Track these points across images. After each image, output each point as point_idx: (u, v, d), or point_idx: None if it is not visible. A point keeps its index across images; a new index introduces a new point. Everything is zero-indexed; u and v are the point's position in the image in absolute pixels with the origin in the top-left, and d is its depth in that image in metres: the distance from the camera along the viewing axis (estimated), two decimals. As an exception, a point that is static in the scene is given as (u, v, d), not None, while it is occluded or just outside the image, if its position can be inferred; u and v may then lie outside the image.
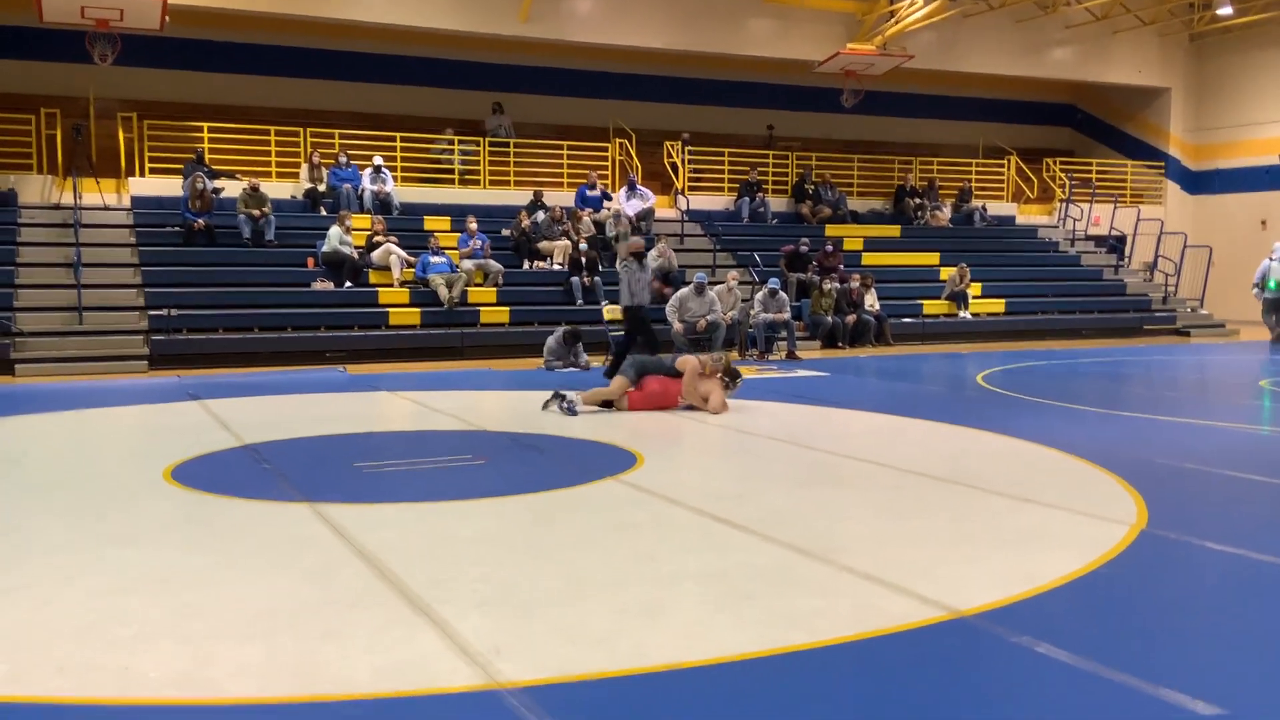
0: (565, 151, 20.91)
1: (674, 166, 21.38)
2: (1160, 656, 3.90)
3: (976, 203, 23.94)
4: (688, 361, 10.14)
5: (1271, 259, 19.40)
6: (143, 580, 4.75)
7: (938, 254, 21.46)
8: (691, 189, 21.47)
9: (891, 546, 5.35)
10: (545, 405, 10.04)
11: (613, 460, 7.60)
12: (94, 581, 4.74)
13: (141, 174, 17.85)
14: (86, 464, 7.79)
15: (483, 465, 7.67)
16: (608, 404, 10.05)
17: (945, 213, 23.10)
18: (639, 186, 20.07)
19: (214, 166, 17.75)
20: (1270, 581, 4.81)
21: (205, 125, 18.39)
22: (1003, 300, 20.58)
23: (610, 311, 16.03)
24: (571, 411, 9.79)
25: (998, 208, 24.40)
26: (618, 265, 13.16)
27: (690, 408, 9.97)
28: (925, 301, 19.99)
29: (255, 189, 16.88)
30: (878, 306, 18.81)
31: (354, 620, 4.20)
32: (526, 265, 17.91)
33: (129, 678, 3.64)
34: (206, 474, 7.08)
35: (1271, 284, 19.31)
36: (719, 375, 10.06)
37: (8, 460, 7.79)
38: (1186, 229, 24.58)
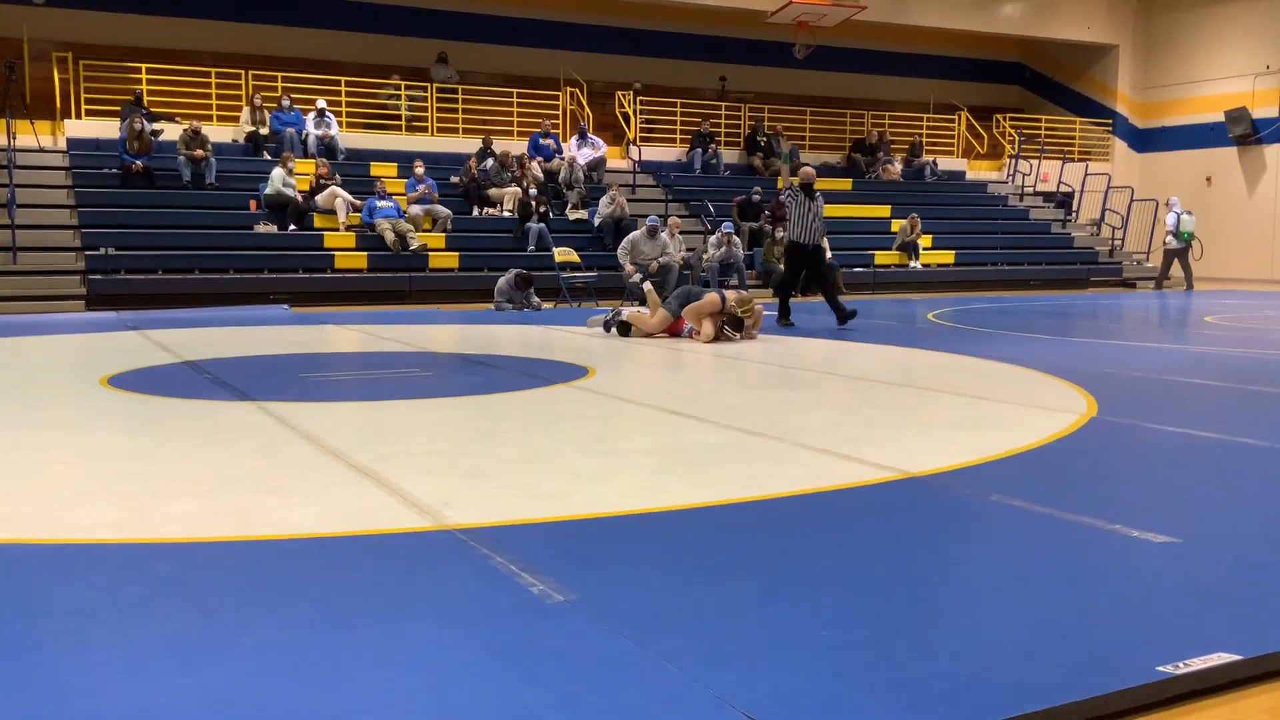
0: (515, 100, 20.63)
1: (625, 117, 21.19)
2: (1114, 504, 3.89)
3: (927, 158, 24.00)
4: (712, 295, 9.85)
5: (1178, 212, 20.63)
6: (78, 454, 4.59)
7: (889, 207, 21.47)
8: (643, 140, 21.29)
9: (843, 430, 5.32)
10: (607, 327, 10.29)
11: (564, 372, 7.51)
12: (26, 455, 4.57)
13: (78, 116, 17.31)
14: (20, 374, 7.54)
15: (431, 376, 7.54)
16: (626, 328, 10.06)
17: (896, 167, 23.14)
18: (590, 135, 19.87)
19: (153, 109, 17.28)
20: (1213, 451, 4.84)
21: (144, 67, 17.87)
22: (953, 252, 20.67)
23: (561, 254, 15.87)
24: (614, 324, 10.21)
25: (948, 163, 24.48)
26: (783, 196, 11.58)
27: (677, 335, 9.90)
28: (876, 252, 20.02)
29: (196, 132, 16.45)
30: (830, 255, 18.79)
31: (297, 481, 4.08)
32: (476, 212, 17.68)
33: (62, 525, 3.50)
34: (145, 381, 6.89)
35: (1185, 234, 20.56)
36: (722, 315, 9.62)
37: (-63, 375, 7.53)
38: (1133, 185, 24.84)
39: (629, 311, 10.42)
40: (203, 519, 3.55)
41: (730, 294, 10.00)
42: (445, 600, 2.79)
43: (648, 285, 11.63)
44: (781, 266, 17.87)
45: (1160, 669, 2.30)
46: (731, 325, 9.61)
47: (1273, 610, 2.72)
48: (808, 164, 12.72)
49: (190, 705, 2.16)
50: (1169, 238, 20.71)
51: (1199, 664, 2.33)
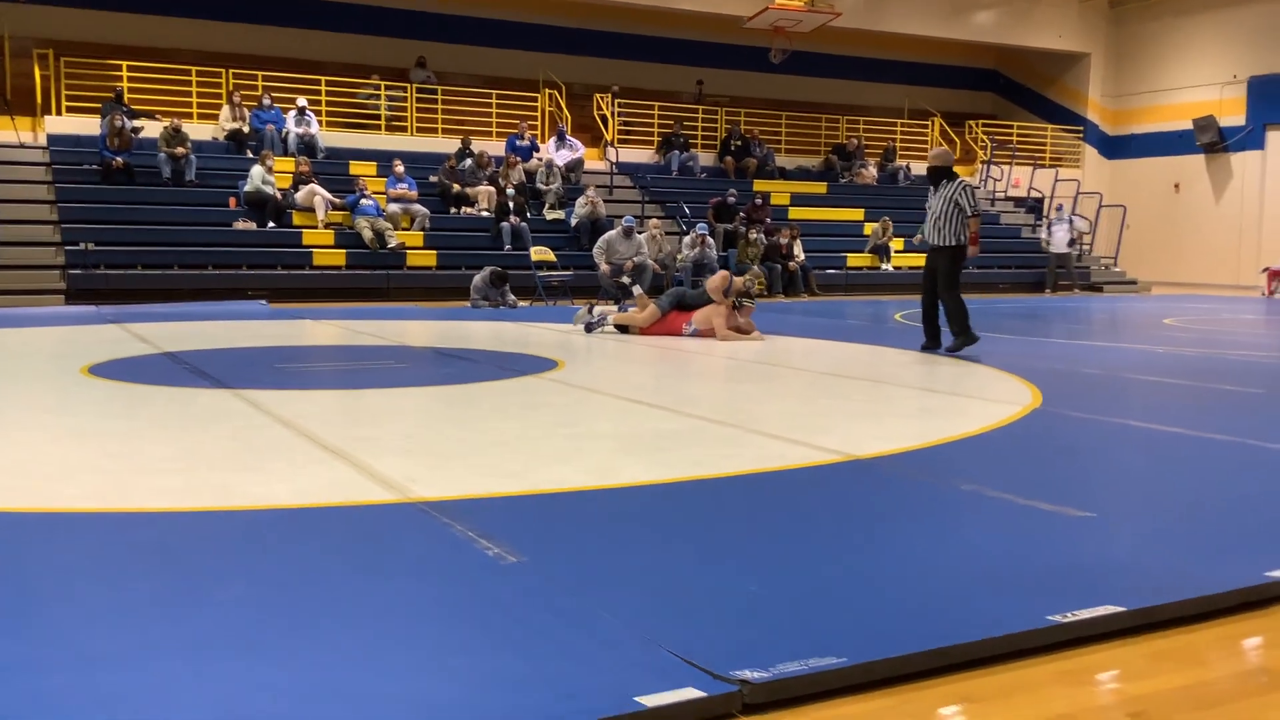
0: (494, 101, 20.85)
1: (604, 119, 21.44)
2: (1038, 484, 4.15)
3: (900, 162, 24.36)
4: (712, 280, 10.00)
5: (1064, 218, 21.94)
6: (62, 436, 4.79)
7: (862, 210, 21.82)
8: (621, 142, 21.55)
9: (799, 419, 5.58)
10: (587, 325, 10.28)
11: (535, 365, 7.73)
12: (14, 435, 4.77)
13: (58, 112, 17.43)
14: (2, 364, 7.71)
15: (405, 368, 7.76)
16: (623, 327, 10.19)
17: (871, 171, 23.48)
18: (568, 137, 20.11)
19: (133, 106, 17.40)
20: (1143, 439, 5.12)
21: (124, 65, 18.00)
22: (924, 255, 20.97)
23: (538, 253, 16.10)
24: (600, 324, 10.21)
25: (922, 168, 24.80)
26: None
27: (675, 335, 9.96)
28: (849, 254, 20.36)
29: (176, 129, 16.60)
30: (802, 257, 19.12)
31: (273, 460, 4.30)
32: (453, 211, 17.87)
33: (48, 497, 3.71)
34: (125, 370, 7.08)
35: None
36: (730, 300, 9.83)
37: (-80, 364, 7.69)
38: (1102, 190, 25.27)
39: (618, 314, 10.60)
40: (182, 493, 3.77)
41: (718, 275, 10.25)
42: (407, 562, 3.03)
43: (638, 289, 11.86)
44: (755, 267, 18.19)
45: (1049, 618, 2.56)
46: (743, 298, 9.92)
47: (1163, 572, 2.98)
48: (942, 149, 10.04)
49: (173, 647, 2.38)
50: (1066, 245, 21.69)
51: (1085, 614, 2.59)
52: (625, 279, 14.49)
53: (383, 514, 3.55)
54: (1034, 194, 24.74)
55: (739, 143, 22.28)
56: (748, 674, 2.20)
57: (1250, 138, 23.98)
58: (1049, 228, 22.02)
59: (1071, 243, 21.86)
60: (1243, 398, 6.57)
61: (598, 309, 10.59)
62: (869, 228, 20.96)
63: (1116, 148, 26.94)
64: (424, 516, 3.47)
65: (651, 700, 2.08)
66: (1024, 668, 2.40)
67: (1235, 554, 3.16)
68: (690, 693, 2.12)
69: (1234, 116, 24.23)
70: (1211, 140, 24.48)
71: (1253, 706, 2.27)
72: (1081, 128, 26.97)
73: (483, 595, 2.73)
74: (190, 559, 3.03)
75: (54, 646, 2.39)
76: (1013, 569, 3.02)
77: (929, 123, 25.73)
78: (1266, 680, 2.42)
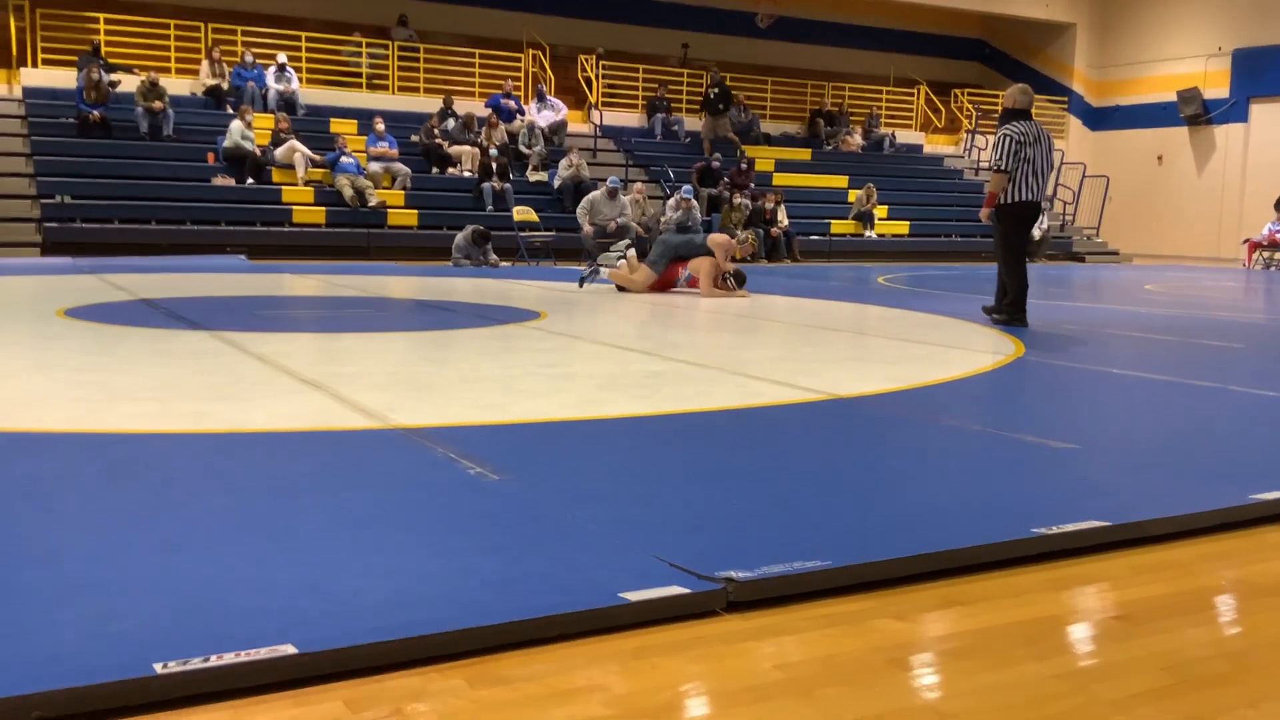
0: (477, 60, 20.64)
1: (588, 81, 21.26)
2: (1022, 419, 4.14)
3: (885, 130, 24.29)
4: (717, 239, 9.94)
5: None
6: (36, 368, 4.72)
7: (846, 177, 21.76)
8: (605, 105, 21.39)
9: (782, 363, 5.55)
10: (580, 279, 10.37)
11: (517, 315, 7.68)
12: (-16, 367, 4.70)
13: (34, 65, 17.16)
14: (-24, 309, 7.60)
15: (386, 315, 7.69)
16: (623, 287, 10.10)
17: (855, 138, 23.41)
18: (549, 97, 19.94)
19: (110, 60, 17.14)
20: (1121, 383, 5.11)
21: (101, 17, 17.72)
22: (907, 222, 21.00)
23: (520, 214, 15.99)
24: (592, 277, 10.28)
25: (906, 136, 24.77)
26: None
27: (668, 290, 9.95)
28: (833, 221, 20.31)
29: (154, 83, 16.37)
30: (786, 223, 19.06)
31: (250, 391, 4.25)
32: (435, 171, 17.72)
33: (22, 421, 3.64)
34: (101, 313, 6.98)
35: None
36: (724, 262, 9.78)
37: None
38: (1086, 162, 25.27)
39: (612, 271, 10.45)
40: (158, 417, 3.72)
41: (723, 237, 10.18)
42: (388, 478, 2.98)
43: (631, 252, 11.77)
44: (740, 232, 18.10)
45: (1035, 530, 2.54)
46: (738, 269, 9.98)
47: (1147, 494, 2.97)
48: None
49: (144, 549, 2.34)
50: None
51: (1070, 528, 2.58)
52: (623, 243, 14.32)
53: (362, 438, 3.50)
54: (1018, 164, 24.69)
55: (717, 89, 21.37)
56: (733, 574, 2.17)
57: (1234, 110, 23.99)
58: None
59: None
60: (1224, 351, 6.59)
61: (603, 270, 10.46)
62: (853, 195, 20.91)
63: (1100, 119, 26.93)
64: (404, 440, 3.43)
65: (636, 596, 2.05)
66: (1009, 576, 2.38)
67: (1218, 480, 3.16)
68: (675, 590, 2.10)
69: (1218, 89, 24.23)
70: (1195, 113, 24.49)
71: (1232, 611, 2.26)
72: (1066, 98, 26.94)
73: (464, 507, 2.69)
74: (165, 474, 2.98)
75: (22, 547, 2.34)
76: (998, 489, 3.01)
77: (914, 91, 25.64)
78: (1246, 589, 2.41)
